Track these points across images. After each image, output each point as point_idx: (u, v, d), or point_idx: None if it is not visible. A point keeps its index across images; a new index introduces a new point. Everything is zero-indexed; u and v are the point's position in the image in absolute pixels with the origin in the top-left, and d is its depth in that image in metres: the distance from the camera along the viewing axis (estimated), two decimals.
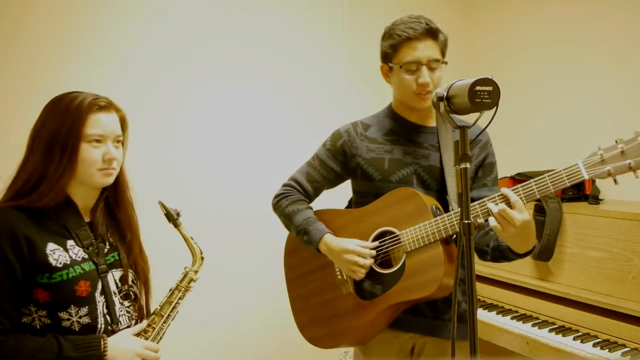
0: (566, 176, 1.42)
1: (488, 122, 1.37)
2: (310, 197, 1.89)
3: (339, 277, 1.81)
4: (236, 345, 2.80)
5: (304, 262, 1.90)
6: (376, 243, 1.73)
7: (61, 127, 1.39)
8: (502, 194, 1.50)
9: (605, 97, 2.65)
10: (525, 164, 2.73)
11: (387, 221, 1.72)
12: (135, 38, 2.56)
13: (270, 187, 1.94)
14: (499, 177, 2.66)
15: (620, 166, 1.34)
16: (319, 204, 1.91)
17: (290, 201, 1.85)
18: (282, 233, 1.95)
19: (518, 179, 2.61)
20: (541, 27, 2.96)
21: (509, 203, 1.48)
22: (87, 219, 1.50)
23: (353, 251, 1.70)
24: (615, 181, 1.36)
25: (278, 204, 1.88)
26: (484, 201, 1.52)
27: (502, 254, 1.64)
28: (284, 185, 1.91)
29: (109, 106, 1.46)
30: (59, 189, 1.40)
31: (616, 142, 1.36)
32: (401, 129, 1.79)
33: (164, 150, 2.62)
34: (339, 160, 1.83)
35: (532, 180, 1.48)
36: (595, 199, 2.47)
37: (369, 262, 1.70)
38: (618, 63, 2.60)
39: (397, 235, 1.69)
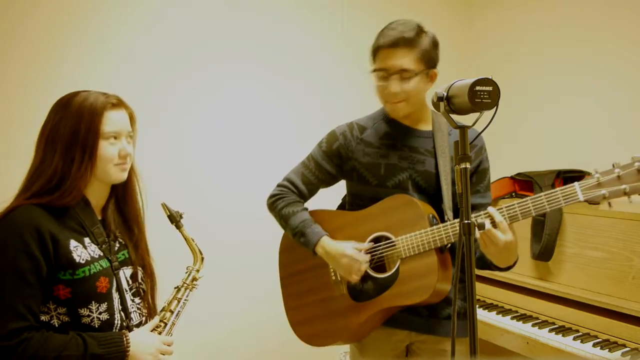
0: (562, 197, 1.45)
1: (488, 122, 1.37)
2: (305, 198, 1.90)
3: (333, 277, 1.81)
4: (236, 343, 2.80)
5: (299, 260, 1.91)
6: (371, 244, 1.74)
7: (78, 127, 1.40)
8: (487, 213, 1.51)
9: (605, 97, 2.64)
10: (526, 164, 2.72)
11: (383, 226, 1.73)
12: (135, 38, 2.56)
13: (270, 186, 1.94)
14: (499, 177, 2.69)
15: (616, 191, 1.37)
16: (312, 201, 1.91)
17: (286, 203, 1.86)
18: (282, 232, 1.95)
19: (518, 179, 2.60)
20: (541, 27, 2.95)
21: (493, 221, 1.49)
22: (99, 217, 1.51)
23: (350, 256, 1.70)
24: (609, 204, 1.38)
25: (274, 205, 1.89)
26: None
27: (485, 264, 1.67)
28: (279, 185, 1.92)
29: (119, 103, 1.48)
30: (81, 188, 1.42)
31: (613, 166, 1.38)
32: (396, 132, 1.78)
33: (163, 150, 2.62)
34: (335, 163, 1.83)
35: (528, 198, 1.51)
36: None
37: (365, 267, 1.71)
38: (618, 63, 2.59)
39: (392, 241, 1.70)
